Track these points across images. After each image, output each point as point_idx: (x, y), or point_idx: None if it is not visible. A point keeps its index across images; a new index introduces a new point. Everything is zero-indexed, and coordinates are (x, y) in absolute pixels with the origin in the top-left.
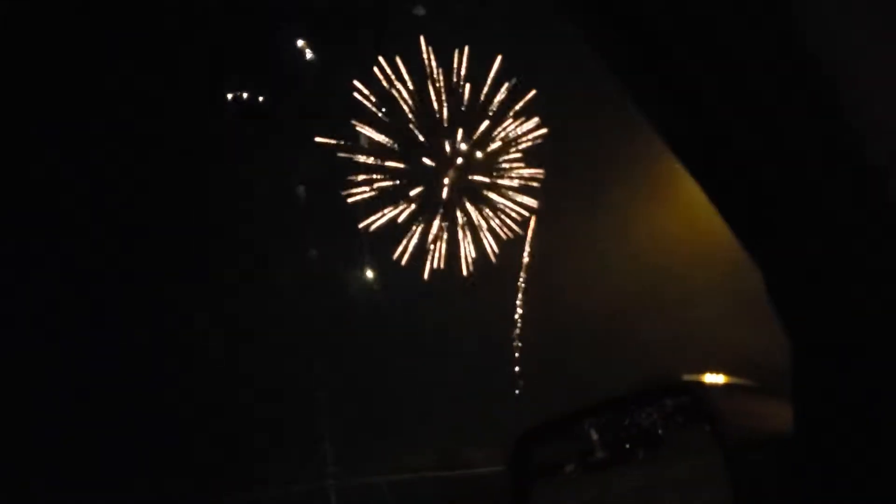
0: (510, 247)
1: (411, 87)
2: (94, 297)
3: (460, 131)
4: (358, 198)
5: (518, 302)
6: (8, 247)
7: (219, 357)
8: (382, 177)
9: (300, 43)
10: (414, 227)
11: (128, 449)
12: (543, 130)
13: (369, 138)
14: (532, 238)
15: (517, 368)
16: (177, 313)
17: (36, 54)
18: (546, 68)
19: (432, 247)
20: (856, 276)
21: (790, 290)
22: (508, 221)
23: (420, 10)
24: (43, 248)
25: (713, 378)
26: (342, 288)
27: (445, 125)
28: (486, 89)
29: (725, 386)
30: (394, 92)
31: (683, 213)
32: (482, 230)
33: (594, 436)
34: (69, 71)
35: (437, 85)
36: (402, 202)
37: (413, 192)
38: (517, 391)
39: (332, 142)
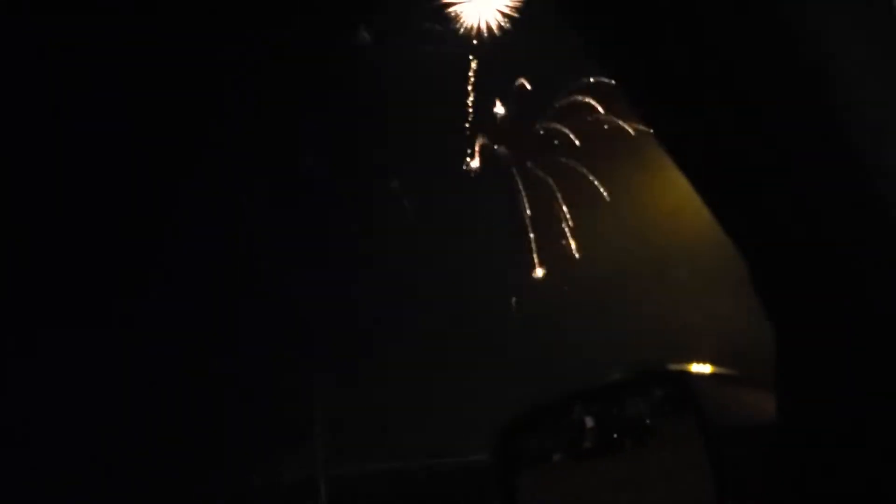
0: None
1: None
2: (80, 287)
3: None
4: None
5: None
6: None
7: (207, 349)
8: None
9: None
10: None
11: (112, 443)
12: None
13: None
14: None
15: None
16: (162, 305)
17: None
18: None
19: None
20: (841, 268)
21: (775, 280)
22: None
23: None
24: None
25: (699, 367)
26: (330, 278)
27: None
28: None
29: (711, 375)
30: None
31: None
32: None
33: (588, 423)
34: None
35: None
36: None
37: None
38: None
39: None
